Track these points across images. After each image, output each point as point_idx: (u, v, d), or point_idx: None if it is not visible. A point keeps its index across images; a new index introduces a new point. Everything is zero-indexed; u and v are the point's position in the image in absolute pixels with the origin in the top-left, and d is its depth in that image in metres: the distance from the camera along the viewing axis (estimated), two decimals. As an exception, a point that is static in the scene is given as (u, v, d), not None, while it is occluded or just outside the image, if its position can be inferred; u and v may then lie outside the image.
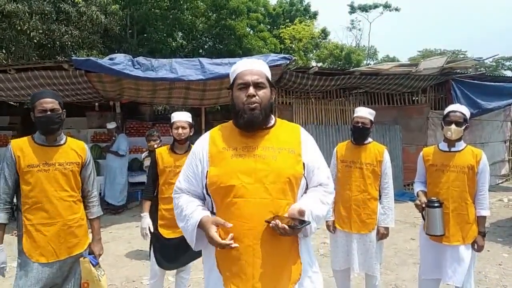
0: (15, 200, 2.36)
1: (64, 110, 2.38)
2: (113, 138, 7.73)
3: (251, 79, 1.61)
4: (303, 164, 1.62)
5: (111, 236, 5.92)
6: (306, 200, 1.62)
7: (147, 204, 3.13)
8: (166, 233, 2.97)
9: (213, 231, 1.50)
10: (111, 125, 7.75)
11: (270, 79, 1.70)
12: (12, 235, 4.36)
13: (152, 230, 3.03)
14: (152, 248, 3.11)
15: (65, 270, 2.36)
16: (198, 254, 3.05)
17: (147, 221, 3.05)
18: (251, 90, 1.59)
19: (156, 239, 3.03)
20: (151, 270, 3.12)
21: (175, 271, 3.32)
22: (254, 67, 1.66)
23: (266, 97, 1.63)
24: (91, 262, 2.42)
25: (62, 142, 2.40)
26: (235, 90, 1.65)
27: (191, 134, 3.13)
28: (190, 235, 1.62)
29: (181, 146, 3.12)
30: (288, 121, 1.80)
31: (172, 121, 3.14)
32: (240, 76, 1.64)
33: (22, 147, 2.30)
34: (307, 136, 1.74)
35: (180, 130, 3.06)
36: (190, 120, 3.18)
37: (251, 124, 1.60)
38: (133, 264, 4.68)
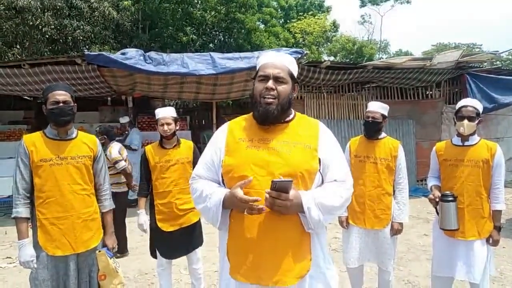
0: None
1: (76, 104, 2.39)
2: (126, 132, 7.78)
3: (272, 72, 1.59)
4: (319, 159, 1.60)
5: (124, 229, 5.95)
6: (315, 189, 1.58)
7: (142, 201, 3.23)
8: (165, 227, 3.04)
9: (240, 192, 1.47)
10: (124, 120, 7.81)
11: (295, 75, 1.67)
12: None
13: (148, 226, 3.11)
14: (154, 242, 3.20)
15: (81, 264, 2.38)
16: (198, 244, 3.17)
17: (143, 218, 3.14)
18: (270, 83, 1.58)
19: (157, 233, 3.10)
20: (158, 260, 3.21)
21: (187, 263, 3.35)
22: (277, 60, 1.64)
23: (285, 92, 1.61)
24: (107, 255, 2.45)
25: (73, 135, 2.42)
26: (256, 81, 1.65)
27: (177, 128, 3.18)
28: (214, 213, 1.57)
29: (169, 141, 3.16)
30: (308, 116, 1.78)
31: (156, 117, 3.18)
32: (262, 68, 1.63)
33: (34, 141, 2.30)
34: (326, 132, 1.70)
35: (165, 127, 3.10)
36: (175, 114, 3.22)
37: (265, 118, 1.59)
38: (146, 257, 4.70)
